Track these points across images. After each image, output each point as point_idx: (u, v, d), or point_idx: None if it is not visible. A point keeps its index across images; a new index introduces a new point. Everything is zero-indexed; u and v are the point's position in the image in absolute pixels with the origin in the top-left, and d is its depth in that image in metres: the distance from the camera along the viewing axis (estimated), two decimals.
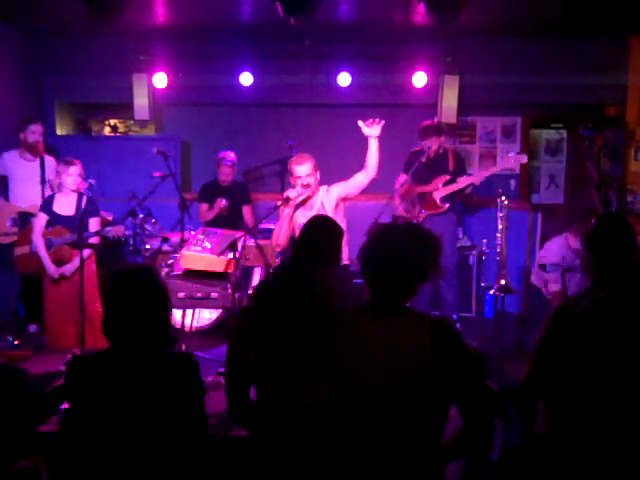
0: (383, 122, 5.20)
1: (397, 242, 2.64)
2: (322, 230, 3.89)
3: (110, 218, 6.66)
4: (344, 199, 5.35)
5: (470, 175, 6.93)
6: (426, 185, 6.80)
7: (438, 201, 6.74)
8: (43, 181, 6.70)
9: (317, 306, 2.52)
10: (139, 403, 2.66)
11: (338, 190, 5.32)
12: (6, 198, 6.84)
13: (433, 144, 6.72)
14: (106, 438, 2.67)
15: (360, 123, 5.21)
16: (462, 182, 6.78)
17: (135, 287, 2.74)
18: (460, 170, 6.91)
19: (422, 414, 2.58)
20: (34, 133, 6.67)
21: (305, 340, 2.32)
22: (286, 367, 2.49)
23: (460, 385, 2.59)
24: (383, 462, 2.56)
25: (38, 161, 6.74)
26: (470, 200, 7.67)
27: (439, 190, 6.75)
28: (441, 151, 6.85)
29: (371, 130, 5.20)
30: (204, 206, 7.49)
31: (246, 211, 7.50)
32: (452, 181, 6.77)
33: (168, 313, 2.83)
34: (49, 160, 6.78)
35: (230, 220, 7.16)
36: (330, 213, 5.29)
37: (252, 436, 2.84)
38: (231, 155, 7.44)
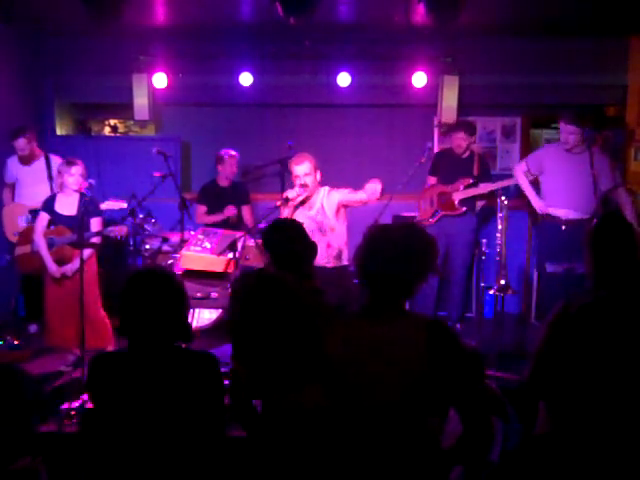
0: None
1: (393, 243, 2.64)
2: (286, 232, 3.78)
3: (125, 205, 6.60)
4: (345, 206, 5.37)
5: (491, 183, 6.90)
6: (447, 185, 6.79)
7: (456, 203, 6.73)
8: (51, 178, 6.71)
9: (295, 308, 2.51)
10: (159, 402, 2.69)
11: (340, 197, 5.32)
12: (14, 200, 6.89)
13: (463, 141, 6.74)
14: (127, 436, 2.69)
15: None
16: (482, 188, 6.76)
17: (150, 286, 2.81)
18: (484, 175, 6.90)
19: (420, 415, 2.58)
20: (22, 150, 6.70)
21: (288, 343, 2.31)
22: (273, 371, 2.48)
23: (458, 387, 2.59)
24: (382, 464, 2.56)
25: (38, 162, 6.76)
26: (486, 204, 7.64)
27: (459, 192, 6.73)
28: (467, 154, 6.85)
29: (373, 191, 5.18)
30: (202, 208, 7.47)
31: (245, 211, 7.50)
32: (474, 185, 6.75)
33: (184, 310, 2.88)
34: (54, 159, 6.78)
35: (230, 221, 7.18)
36: (330, 216, 5.30)
37: (249, 438, 2.84)
38: (233, 152, 7.45)
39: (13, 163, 6.82)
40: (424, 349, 2.53)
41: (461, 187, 6.73)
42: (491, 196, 6.89)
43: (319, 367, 2.42)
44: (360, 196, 5.28)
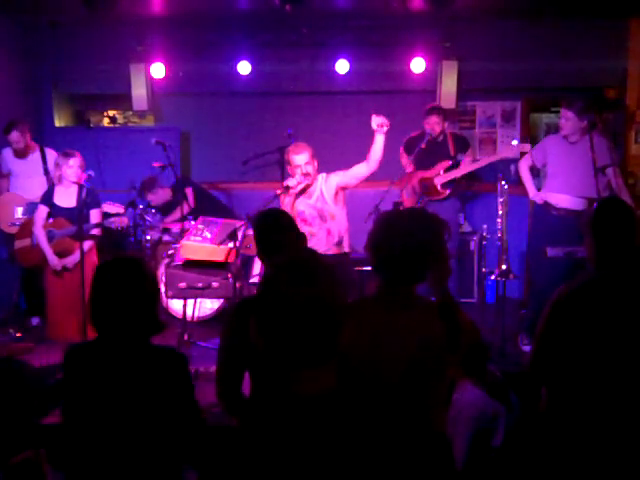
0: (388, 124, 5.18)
1: (406, 227, 2.64)
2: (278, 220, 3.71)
3: (122, 210, 6.55)
4: (343, 188, 5.37)
5: (475, 161, 6.91)
6: (427, 171, 6.78)
7: (439, 187, 6.72)
8: (47, 172, 6.69)
9: (323, 291, 2.46)
10: (125, 394, 2.66)
11: (337, 179, 5.33)
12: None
13: (437, 125, 6.71)
14: (97, 428, 2.66)
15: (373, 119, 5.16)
16: (463, 169, 6.76)
17: (118, 277, 2.74)
18: (461, 150, 6.91)
19: (433, 399, 2.60)
20: (17, 142, 6.63)
21: (309, 325, 2.28)
22: (287, 353, 2.45)
23: (470, 367, 2.65)
24: (394, 449, 2.56)
25: (33, 155, 6.74)
26: (470, 186, 7.65)
27: (440, 176, 6.73)
28: (441, 137, 6.84)
29: (380, 121, 5.15)
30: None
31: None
32: (454, 166, 6.75)
33: (155, 301, 2.81)
34: (50, 152, 6.76)
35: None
36: (330, 201, 5.30)
37: (244, 427, 2.83)
38: (152, 193, 7.30)
39: (8, 155, 6.78)
40: (442, 332, 2.55)
41: (441, 171, 6.73)
42: (471, 177, 6.93)
43: (331, 350, 2.39)
44: (358, 169, 5.29)
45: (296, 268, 2.23)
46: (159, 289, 2.83)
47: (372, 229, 2.74)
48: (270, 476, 2.30)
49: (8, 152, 6.77)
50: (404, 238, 2.61)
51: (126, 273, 2.75)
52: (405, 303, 2.64)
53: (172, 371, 2.73)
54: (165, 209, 7.31)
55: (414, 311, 2.62)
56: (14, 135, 6.58)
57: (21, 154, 6.71)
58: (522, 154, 6.49)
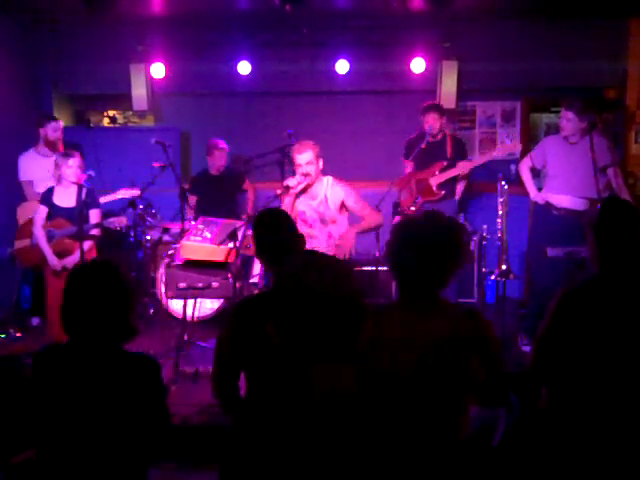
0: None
1: (422, 235, 2.63)
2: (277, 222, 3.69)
3: (138, 192, 6.54)
4: (347, 209, 5.36)
5: (469, 160, 6.90)
6: (423, 171, 6.77)
7: (434, 188, 6.70)
8: None
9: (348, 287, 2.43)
10: (93, 398, 2.64)
11: (345, 199, 5.27)
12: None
13: (435, 122, 6.69)
14: (63, 429, 2.66)
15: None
16: (458, 169, 6.74)
17: (90, 281, 2.72)
18: (459, 155, 6.87)
19: (457, 405, 2.60)
20: (56, 131, 6.60)
21: (335, 322, 2.25)
22: (308, 350, 2.43)
23: (488, 371, 2.65)
24: (411, 455, 2.55)
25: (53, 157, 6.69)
26: (470, 186, 7.64)
27: (435, 177, 6.71)
28: (440, 136, 6.82)
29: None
30: (193, 199, 7.49)
31: (247, 195, 7.54)
32: (449, 167, 6.73)
33: (128, 307, 2.77)
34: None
35: (226, 208, 7.18)
36: (333, 209, 5.27)
37: (238, 427, 2.81)
38: (222, 144, 7.46)
39: (25, 159, 6.68)
40: (471, 335, 2.56)
41: (436, 171, 6.71)
42: (469, 178, 6.91)
43: (352, 349, 2.37)
44: (369, 215, 5.34)
45: (323, 268, 2.22)
46: (134, 294, 2.81)
47: (389, 238, 2.72)
48: (264, 476, 2.29)
49: (28, 156, 6.70)
50: (420, 246, 2.60)
51: (98, 277, 2.73)
52: (424, 310, 2.63)
53: (142, 377, 2.72)
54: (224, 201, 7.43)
55: (434, 317, 2.61)
56: (55, 124, 6.60)
57: (53, 147, 6.63)
58: (521, 157, 6.48)
